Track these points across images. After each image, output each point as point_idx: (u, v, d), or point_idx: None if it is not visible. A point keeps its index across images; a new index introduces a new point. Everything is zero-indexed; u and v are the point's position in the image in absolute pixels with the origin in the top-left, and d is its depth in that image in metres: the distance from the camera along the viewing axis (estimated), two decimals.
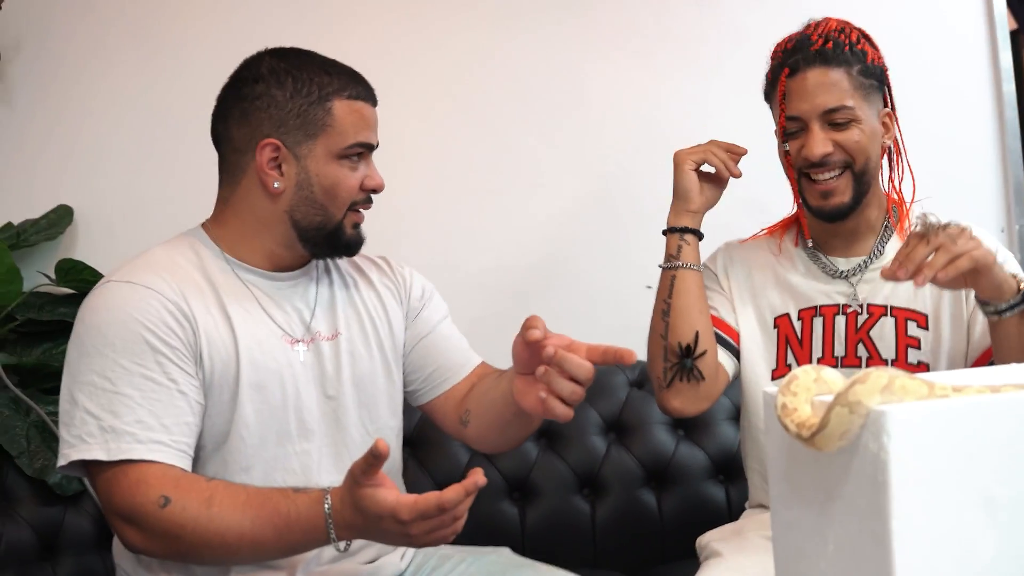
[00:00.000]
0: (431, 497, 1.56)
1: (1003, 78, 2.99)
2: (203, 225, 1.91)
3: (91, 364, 1.71)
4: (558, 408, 1.70)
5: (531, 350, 1.75)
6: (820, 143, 2.01)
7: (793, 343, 2.09)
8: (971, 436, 1.11)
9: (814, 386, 1.26)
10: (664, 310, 2.08)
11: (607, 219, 2.86)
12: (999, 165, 3.01)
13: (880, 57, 2.07)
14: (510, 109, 2.84)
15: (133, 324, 1.72)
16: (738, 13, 2.90)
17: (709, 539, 2.11)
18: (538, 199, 2.85)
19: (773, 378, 2.10)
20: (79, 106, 2.69)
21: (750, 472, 2.19)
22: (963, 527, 1.11)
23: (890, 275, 1.79)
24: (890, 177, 2.15)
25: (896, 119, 2.11)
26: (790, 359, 2.09)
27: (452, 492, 1.56)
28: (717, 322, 2.12)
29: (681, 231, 2.09)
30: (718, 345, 2.09)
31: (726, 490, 2.57)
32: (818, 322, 2.08)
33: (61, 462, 1.71)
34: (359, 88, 1.86)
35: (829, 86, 1.99)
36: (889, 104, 2.09)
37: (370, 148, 1.88)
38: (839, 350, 2.06)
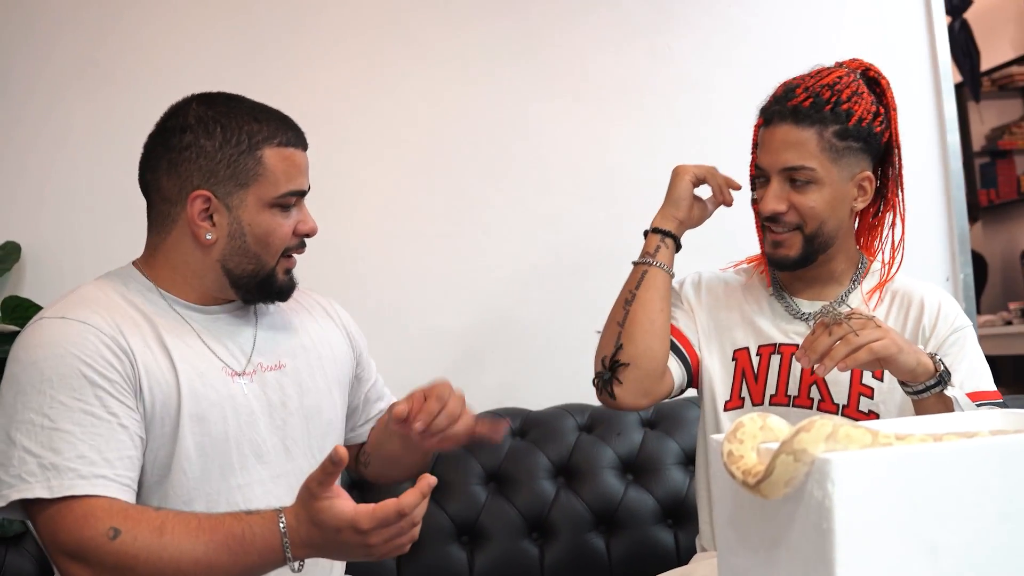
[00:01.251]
0: (389, 504, 1.58)
1: (947, 129, 3.06)
2: (134, 263, 1.90)
3: (28, 402, 1.69)
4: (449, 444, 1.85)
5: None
6: (773, 200, 2.06)
7: (748, 377, 2.12)
8: (915, 484, 1.13)
9: (760, 433, 1.27)
10: (628, 299, 2.12)
11: (558, 264, 2.88)
12: (944, 215, 3.07)
13: (878, 116, 2.06)
14: (462, 154, 2.86)
15: (70, 359, 1.70)
16: (689, 63, 2.94)
17: None
18: (489, 244, 2.86)
19: (725, 409, 2.13)
20: (26, 140, 2.68)
21: (701, 510, 2.20)
22: (908, 575, 1.12)
23: (798, 359, 1.86)
24: (863, 238, 2.17)
25: (899, 180, 2.12)
26: (744, 392, 2.12)
27: (409, 496, 1.58)
28: (674, 330, 2.15)
29: (664, 233, 2.14)
30: (670, 352, 2.12)
31: (675, 534, 2.58)
32: (775, 360, 2.11)
33: (0, 504, 1.68)
34: (289, 134, 1.85)
35: (794, 144, 2.02)
36: (892, 164, 2.11)
37: (302, 194, 1.88)
38: (792, 389, 2.09)
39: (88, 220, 2.67)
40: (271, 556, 1.64)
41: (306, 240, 1.91)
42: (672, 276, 2.15)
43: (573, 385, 2.75)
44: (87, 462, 1.67)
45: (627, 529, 2.56)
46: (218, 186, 1.80)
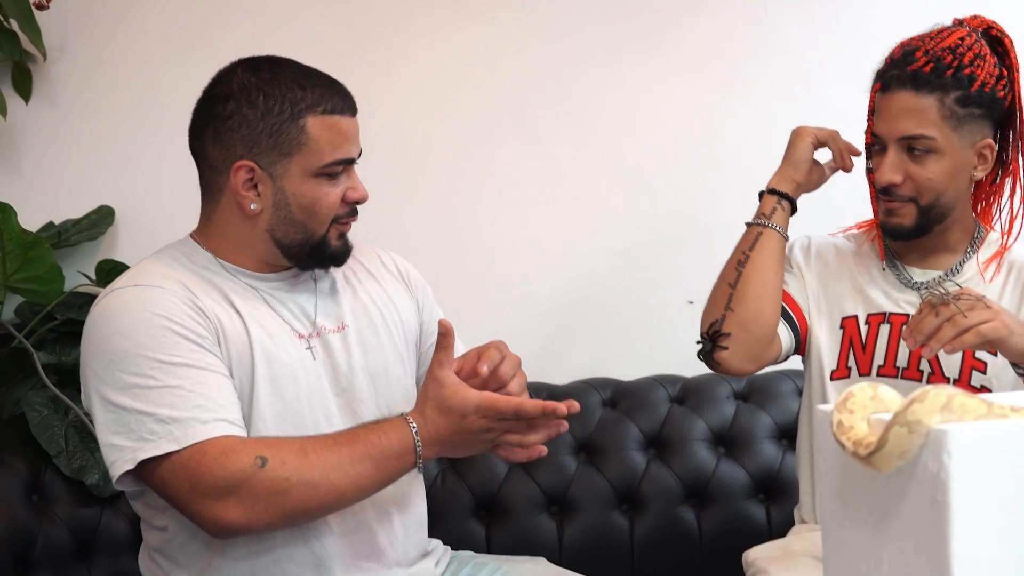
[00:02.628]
0: (511, 401, 1.71)
1: None
2: (191, 235, 1.92)
3: (126, 368, 1.71)
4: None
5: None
6: (889, 170, 2.02)
7: (856, 346, 2.09)
8: None
9: (871, 404, 1.26)
10: (741, 260, 2.10)
11: (650, 233, 2.86)
12: None
13: (1000, 79, 2.00)
14: (546, 117, 2.83)
15: (156, 319, 1.73)
16: (788, 29, 2.89)
17: (756, 556, 2.12)
18: (579, 211, 2.85)
19: (831, 379, 2.11)
20: (122, 106, 2.71)
21: (803, 481, 2.18)
22: None
23: (905, 339, 1.87)
24: (980, 206, 2.14)
25: (1020, 145, 2.06)
26: (851, 362, 2.09)
27: (530, 404, 1.71)
28: (784, 295, 2.12)
29: (781, 195, 2.12)
30: (781, 319, 2.11)
31: (767, 510, 2.57)
32: (884, 329, 2.08)
33: (126, 467, 1.69)
34: (335, 100, 1.83)
35: (913, 112, 1.98)
36: (1014, 128, 2.05)
37: (350, 162, 1.86)
38: (901, 360, 2.06)
39: (180, 183, 2.66)
40: (406, 459, 1.73)
41: (362, 206, 1.90)
42: (787, 240, 2.13)
43: (665, 356, 2.75)
44: (203, 409, 1.70)
45: (718, 503, 2.56)
46: (261, 156, 1.80)
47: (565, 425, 1.79)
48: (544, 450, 1.80)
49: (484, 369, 1.78)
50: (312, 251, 1.86)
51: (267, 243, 1.85)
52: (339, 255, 1.90)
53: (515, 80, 2.83)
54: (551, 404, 1.72)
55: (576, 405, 1.73)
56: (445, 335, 1.74)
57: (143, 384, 1.70)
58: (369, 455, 1.71)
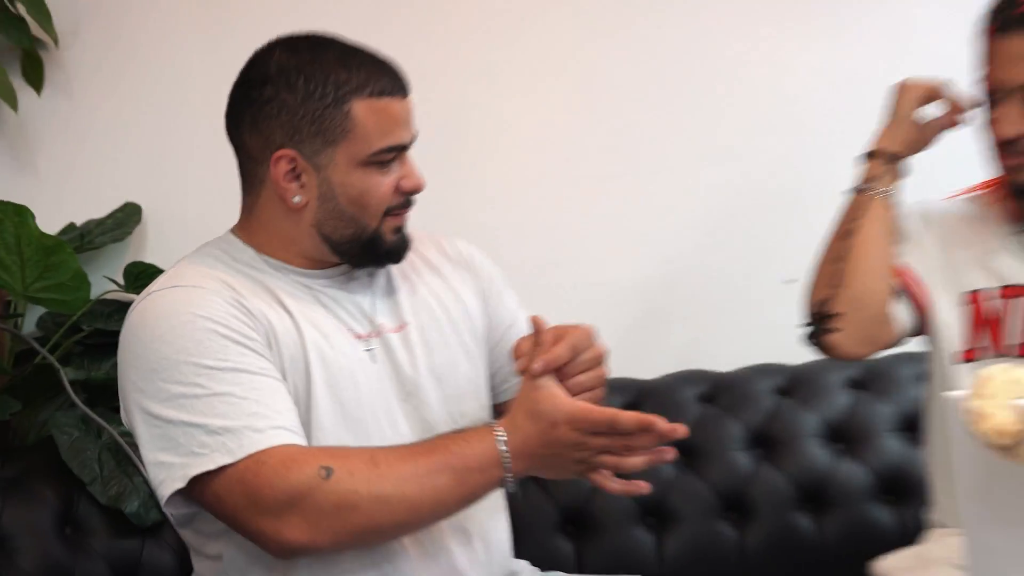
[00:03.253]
0: (605, 412, 1.66)
1: None
2: (232, 231, 1.92)
3: (170, 377, 1.71)
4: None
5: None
6: (1013, 121, 1.97)
7: (986, 323, 2.06)
8: None
9: (1012, 388, 1.22)
10: (848, 231, 2.07)
11: (736, 205, 2.86)
12: None
13: None
14: (618, 82, 2.82)
15: (200, 322, 1.73)
16: None
17: (888, 567, 2.09)
18: (660, 183, 2.84)
19: (958, 361, 2.07)
20: (145, 94, 2.73)
21: (937, 480, 2.15)
22: None
23: None
24: None
25: None
26: (982, 341, 2.05)
27: (626, 416, 1.65)
28: (900, 269, 2.09)
29: (890, 156, 2.09)
30: (898, 294, 2.08)
31: (895, 512, 2.55)
32: (1018, 304, 2.04)
33: (176, 486, 1.69)
34: (383, 81, 1.82)
35: None
36: None
37: (402, 149, 1.85)
38: None
39: (215, 174, 2.66)
40: (492, 472, 1.70)
41: (422, 189, 1.88)
42: (897, 206, 2.09)
43: (766, 342, 2.72)
44: (259, 417, 1.69)
45: (838, 507, 2.54)
46: (303, 144, 1.79)
47: (671, 453, 1.75)
48: (645, 486, 1.76)
49: (536, 367, 1.72)
50: (365, 247, 1.86)
51: (314, 239, 1.85)
52: (396, 251, 1.89)
53: (583, 43, 2.82)
54: (648, 418, 1.67)
55: (683, 429, 1.68)
56: (538, 332, 1.73)
57: (190, 393, 1.70)
58: (449, 466, 1.68)
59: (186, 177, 2.72)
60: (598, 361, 1.80)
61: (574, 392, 1.75)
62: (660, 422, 1.66)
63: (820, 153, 2.78)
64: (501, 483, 1.71)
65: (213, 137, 2.65)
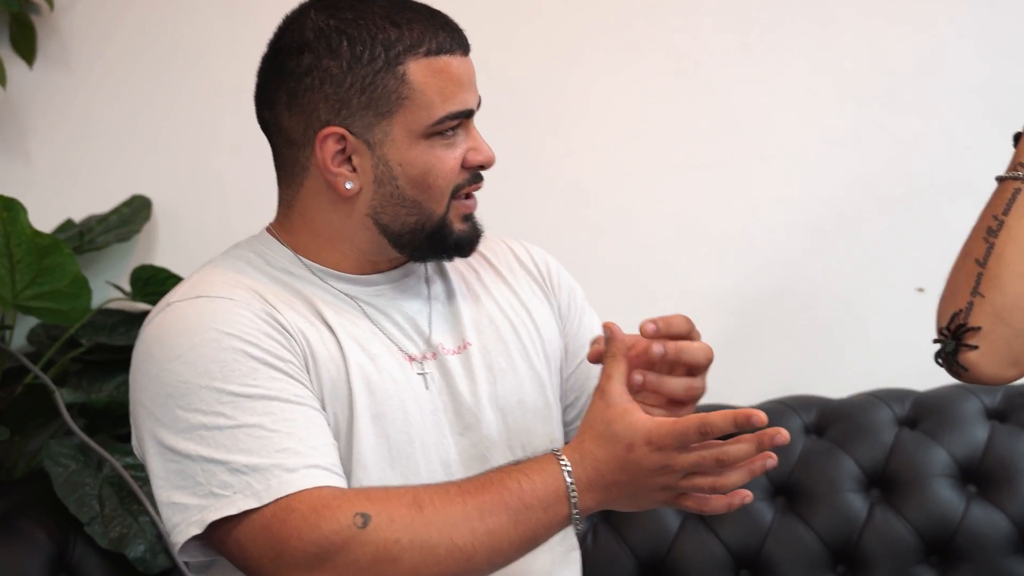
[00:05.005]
0: (691, 419, 1.60)
1: None
2: (268, 229, 1.93)
3: (189, 404, 1.72)
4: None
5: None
6: None
7: None
8: None
9: None
10: (992, 228, 2.04)
11: (856, 200, 2.85)
12: None
13: None
14: (724, 55, 2.83)
15: (227, 340, 1.73)
16: None
17: None
18: (767, 176, 2.84)
19: None
20: (157, 67, 2.76)
21: None
22: None
23: None
24: None
25: None
26: None
27: (717, 416, 1.59)
28: None
29: None
30: None
31: None
32: None
33: (192, 532, 1.70)
34: (440, 36, 1.81)
35: None
36: None
37: (468, 115, 1.85)
38: None
39: (237, 165, 2.72)
40: (556, 509, 1.67)
41: (483, 173, 1.88)
42: None
43: (888, 364, 2.74)
44: (290, 454, 1.70)
45: (970, 561, 2.53)
46: (353, 119, 1.80)
47: (773, 458, 1.68)
48: (749, 495, 1.71)
49: (650, 327, 1.72)
50: (431, 238, 1.86)
51: (370, 231, 1.85)
52: (466, 242, 1.89)
53: (679, 12, 2.83)
54: (745, 412, 1.62)
55: (785, 433, 1.63)
56: (612, 340, 1.70)
57: (212, 424, 1.71)
58: (504, 504, 1.67)
59: (204, 167, 2.75)
60: (701, 367, 1.76)
61: (660, 404, 1.75)
62: (760, 416, 1.60)
63: (961, 135, 2.78)
64: (567, 521, 1.68)
65: (236, 119, 2.70)
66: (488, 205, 1.97)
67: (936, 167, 2.81)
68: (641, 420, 1.64)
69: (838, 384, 2.73)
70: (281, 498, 1.67)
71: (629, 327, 1.79)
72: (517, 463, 1.71)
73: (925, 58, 2.83)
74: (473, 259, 1.97)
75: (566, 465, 1.67)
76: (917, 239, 2.76)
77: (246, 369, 1.73)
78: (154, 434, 1.74)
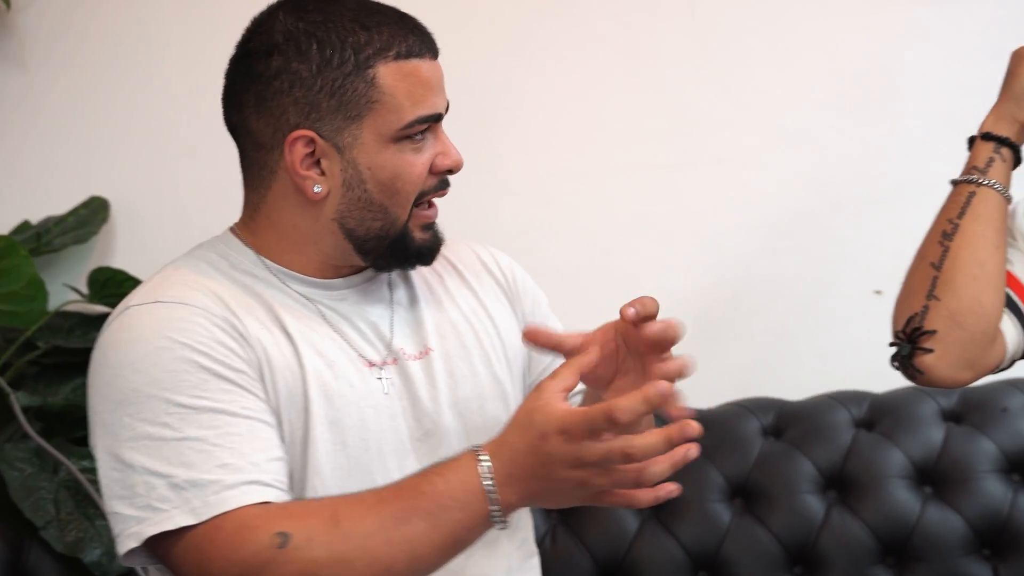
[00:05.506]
0: (597, 407, 1.55)
1: None
2: (232, 230, 1.92)
3: (137, 413, 1.72)
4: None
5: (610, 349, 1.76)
6: None
7: None
8: None
9: None
10: (947, 231, 2.05)
11: (814, 201, 2.86)
12: None
13: None
14: (675, 54, 2.83)
15: (179, 349, 1.73)
16: None
17: None
18: (725, 176, 2.85)
19: None
20: (115, 67, 2.75)
21: None
22: None
23: None
24: None
25: None
26: None
27: (625, 398, 1.54)
28: (1009, 278, 2.08)
29: (999, 141, 2.07)
30: (1005, 310, 2.07)
31: (994, 569, 2.55)
32: None
33: (130, 544, 1.70)
34: (410, 40, 1.81)
35: None
36: None
37: (437, 119, 1.85)
38: None
39: (196, 167, 2.72)
40: (474, 508, 1.63)
41: (450, 178, 1.88)
42: (1010, 201, 2.09)
43: (845, 365, 2.75)
44: (231, 469, 1.69)
45: (926, 562, 2.54)
46: (322, 122, 1.80)
47: (694, 449, 1.65)
48: (675, 488, 1.67)
49: (631, 312, 1.71)
50: (392, 246, 1.86)
51: (335, 236, 1.85)
52: (427, 251, 1.89)
53: (630, 7, 2.83)
54: (653, 384, 1.55)
55: (695, 425, 1.59)
56: (580, 349, 1.67)
57: (156, 435, 1.70)
58: (420, 509, 1.64)
59: (162, 168, 2.74)
60: (676, 339, 1.75)
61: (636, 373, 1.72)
62: (664, 384, 1.55)
63: (918, 138, 2.79)
64: (488, 520, 1.64)
65: (194, 120, 2.70)
66: (445, 206, 1.97)
67: (892, 169, 2.82)
68: (558, 409, 1.58)
69: (795, 386, 2.73)
70: (216, 516, 1.67)
71: (586, 327, 1.80)
72: (437, 463, 1.68)
73: (880, 60, 2.84)
74: (438, 263, 1.96)
75: (483, 461, 1.63)
76: (874, 241, 2.77)
77: (196, 380, 1.72)
78: (103, 440, 1.74)
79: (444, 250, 1.95)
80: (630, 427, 1.58)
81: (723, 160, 2.84)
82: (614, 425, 1.55)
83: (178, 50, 2.73)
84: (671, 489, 1.65)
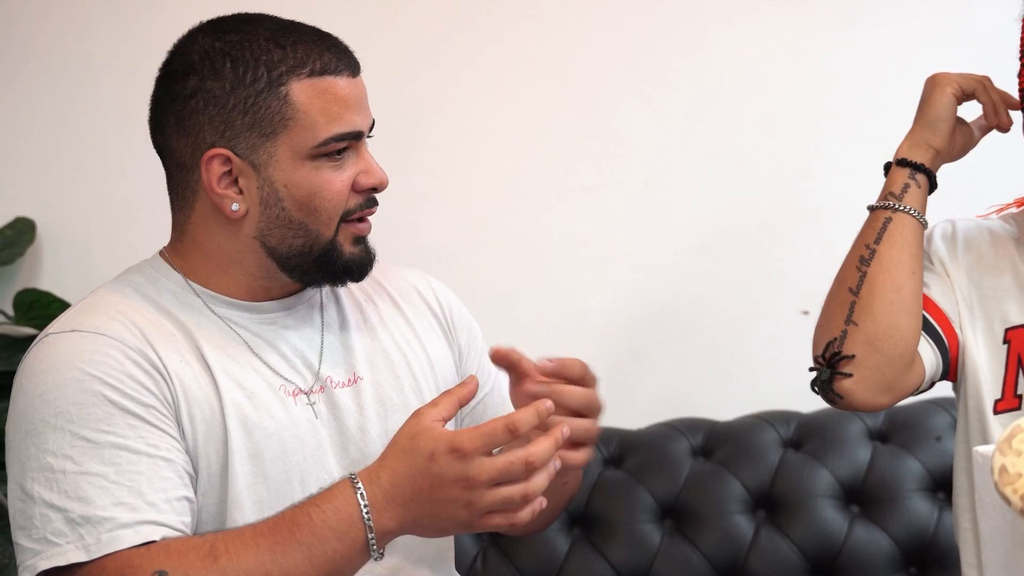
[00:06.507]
0: (498, 419, 1.59)
1: None
2: (161, 253, 1.91)
3: (43, 444, 1.71)
4: (570, 457, 1.72)
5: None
6: None
7: None
8: None
9: None
10: (864, 257, 2.07)
11: (741, 223, 2.87)
12: None
13: None
14: (602, 75, 2.83)
15: (88, 383, 1.72)
16: None
17: None
18: (654, 198, 2.85)
19: (996, 411, 2.07)
20: (41, 89, 2.73)
21: (964, 550, 2.16)
22: None
23: None
24: None
25: None
26: (1021, 388, 2.06)
27: (521, 412, 1.58)
28: (925, 301, 2.10)
29: (915, 167, 2.09)
30: (923, 333, 2.08)
31: None
32: None
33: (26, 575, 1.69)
34: (325, 57, 1.81)
35: None
36: None
37: (356, 136, 1.84)
38: None
39: (123, 187, 2.71)
40: (351, 535, 1.63)
41: (376, 197, 1.87)
42: (925, 226, 2.11)
43: (774, 387, 2.75)
44: (127, 508, 1.68)
45: None
46: (237, 140, 1.79)
47: (581, 456, 1.71)
48: (544, 500, 1.66)
49: (547, 363, 1.73)
50: (319, 261, 1.84)
51: (258, 254, 1.84)
52: (356, 265, 1.88)
53: (560, 30, 2.83)
54: (543, 400, 1.62)
55: (567, 429, 1.63)
56: (463, 400, 1.69)
57: (58, 467, 1.69)
58: (296, 541, 1.64)
59: (89, 189, 2.72)
60: (596, 409, 1.78)
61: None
62: (565, 429, 1.60)
63: (846, 159, 2.80)
64: (366, 548, 1.64)
65: (122, 140, 2.67)
66: (382, 228, 1.96)
67: (819, 190, 2.83)
68: (445, 431, 1.61)
69: (724, 406, 2.74)
70: (107, 555, 1.66)
71: (519, 347, 1.80)
72: (314, 495, 1.69)
73: (806, 83, 2.85)
74: (372, 289, 1.97)
75: (359, 485, 1.63)
76: (801, 262, 2.78)
77: (102, 414, 1.71)
78: (12, 470, 1.73)
79: (380, 277, 1.96)
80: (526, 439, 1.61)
81: (652, 182, 2.84)
82: (514, 436, 1.59)
83: (106, 70, 2.72)
84: (542, 500, 1.65)
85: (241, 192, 1.81)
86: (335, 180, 1.81)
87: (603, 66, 2.83)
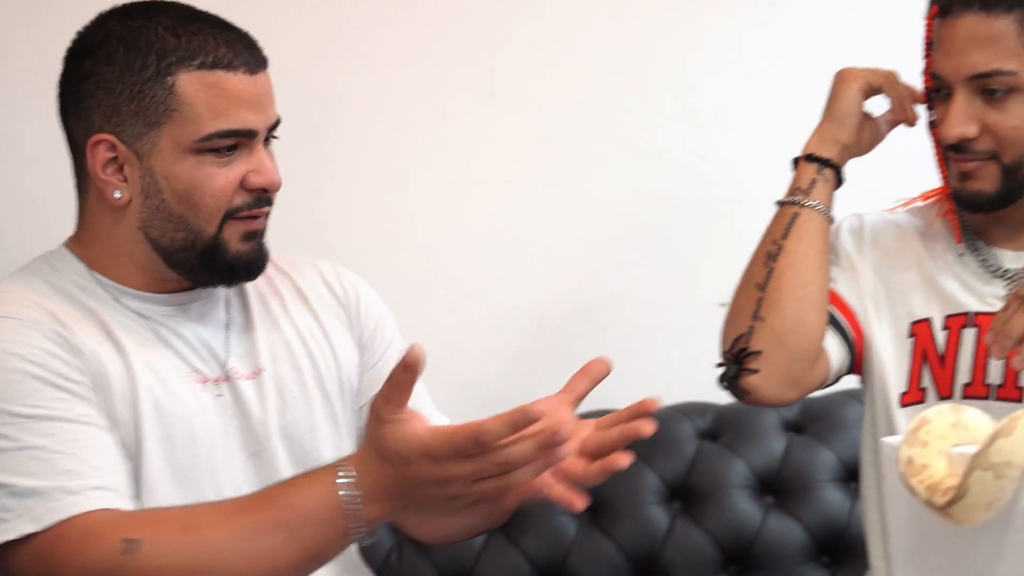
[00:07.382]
0: (466, 427, 1.52)
1: None
2: (66, 243, 1.91)
3: None
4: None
5: None
6: (958, 121, 2.00)
7: (932, 360, 2.09)
8: None
9: (952, 433, 1.26)
10: (771, 253, 2.09)
11: (659, 215, 2.87)
12: None
13: None
14: (521, 67, 2.83)
15: (12, 361, 1.72)
16: None
17: None
18: (570, 191, 2.85)
19: (901, 404, 2.10)
20: None
21: (872, 541, 2.18)
22: None
23: (988, 345, 1.83)
24: None
25: None
26: (926, 380, 2.09)
27: (492, 422, 1.51)
28: (832, 296, 2.11)
29: (822, 162, 2.11)
30: (828, 328, 2.10)
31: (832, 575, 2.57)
32: (969, 335, 2.07)
33: None
34: (221, 51, 1.80)
35: (985, 41, 1.96)
36: None
37: (247, 134, 1.82)
38: (994, 376, 2.04)
39: (34, 176, 2.67)
40: (335, 523, 1.60)
41: (287, 191, 1.87)
42: (832, 221, 2.12)
43: (690, 378, 2.73)
44: (74, 475, 1.67)
45: (767, 570, 2.57)
46: (123, 127, 1.79)
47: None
48: (540, 486, 1.65)
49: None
50: (203, 257, 1.83)
51: (143, 245, 1.84)
52: (246, 264, 1.87)
53: (480, 20, 2.83)
54: (520, 409, 1.52)
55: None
56: (410, 369, 1.55)
57: None
58: (278, 522, 1.62)
59: (4, 177, 2.68)
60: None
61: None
62: (533, 408, 1.51)
63: (759, 150, 2.79)
64: (347, 536, 1.62)
65: (36, 127, 2.63)
66: (298, 220, 1.95)
67: (737, 182, 2.84)
68: (417, 433, 1.55)
69: (640, 398, 2.73)
70: (60, 522, 1.65)
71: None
72: (297, 476, 1.68)
73: (725, 73, 2.87)
74: (279, 282, 1.97)
75: (344, 477, 1.60)
76: (717, 253, 2.78)
77: (30, 390, 1.71)
78: None
79: (288, 269, 1.97)
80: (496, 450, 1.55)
81: (571, 172, 2.84)
82: (483, 446, 1.52)
83: (19, 56, 2.68)
84: (536, 488, 1.64)
85: (125, 180, 1.81)
86: (219, 176, 1.81)
87: (522, 57, 2.82)
